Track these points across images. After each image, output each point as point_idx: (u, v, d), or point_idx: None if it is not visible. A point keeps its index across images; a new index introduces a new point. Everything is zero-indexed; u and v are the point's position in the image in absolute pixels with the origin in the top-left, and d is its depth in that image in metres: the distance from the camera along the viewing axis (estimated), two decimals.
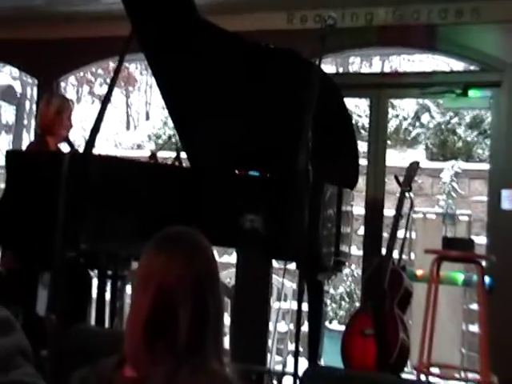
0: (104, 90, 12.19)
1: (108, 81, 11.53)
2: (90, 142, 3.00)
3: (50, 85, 5.62)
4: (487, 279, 4.12)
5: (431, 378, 3.90)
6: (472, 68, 4.83)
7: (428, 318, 3.65)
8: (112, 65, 8.00)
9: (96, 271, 3.26)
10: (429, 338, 3.69)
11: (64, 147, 4.04)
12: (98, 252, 2.99)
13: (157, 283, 1.37)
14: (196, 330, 1.37)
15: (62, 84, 7.02)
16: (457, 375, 4.25)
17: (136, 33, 3.36)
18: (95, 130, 3.01)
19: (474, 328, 5.46)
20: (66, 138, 3.96)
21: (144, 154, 3.94)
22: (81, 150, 3.18)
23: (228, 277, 4.58)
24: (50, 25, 5.49)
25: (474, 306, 5.31)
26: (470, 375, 4.00)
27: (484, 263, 4.05)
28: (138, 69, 13.66)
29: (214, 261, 1.48)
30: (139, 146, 10.95)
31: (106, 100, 3.31)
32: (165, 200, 2.99)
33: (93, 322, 3.22)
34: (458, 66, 5.95)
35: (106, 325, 3.17)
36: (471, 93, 4.64)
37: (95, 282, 3.27)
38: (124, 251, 2.97)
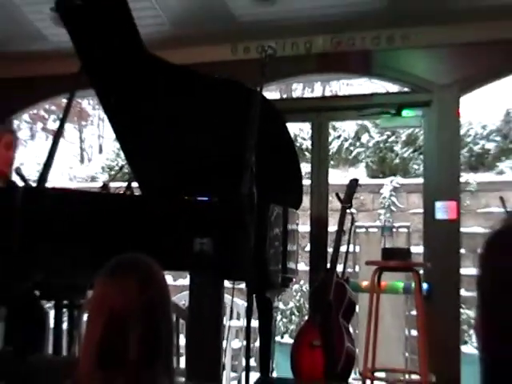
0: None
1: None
2: (43, 175, 3.01)
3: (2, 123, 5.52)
4: (425, 286, 4.22)
5: (376, 382, 3.96)
6: (405, 90, 4.97)
7: (371, 325, 3.71)
8: (64, 101, 7.91)
9: (53, 302, 3.22)
10: (372, 345, 3.75)
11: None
12: (53, 283, 2.96)
13: (110, 309, 1.39)
14: (146, 352, 1.39)
15: (16, 122, 6.93)
16: (401, 378, 4.32)
17: (85, 70, 3.38)
18: (48, 164, 3.02)
19: (416, 332, 5.56)
20: (5, 174, 3.55)
21: (98, 185, 3.95)
22: (34, 184, 3.16)
23: (183, 299, 4.57)
24: (1, 64, 5.44)
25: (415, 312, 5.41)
26: (414, 376, 4.08)
27: (421, 271, 4.15)
28: (90, 104, 13.52)
29: (165, 285, 1.50)
30: (93, 178, 10.83)
31: (57, 134, 3.32)
32: (117, 228, 2.98)
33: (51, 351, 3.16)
34: (392, 88, 6.09)
35: (64, 353, 3.13)
36: (404, 113, 4.76)
37: (52, 313, 3.23)
38: (79, 281, 2.94)
